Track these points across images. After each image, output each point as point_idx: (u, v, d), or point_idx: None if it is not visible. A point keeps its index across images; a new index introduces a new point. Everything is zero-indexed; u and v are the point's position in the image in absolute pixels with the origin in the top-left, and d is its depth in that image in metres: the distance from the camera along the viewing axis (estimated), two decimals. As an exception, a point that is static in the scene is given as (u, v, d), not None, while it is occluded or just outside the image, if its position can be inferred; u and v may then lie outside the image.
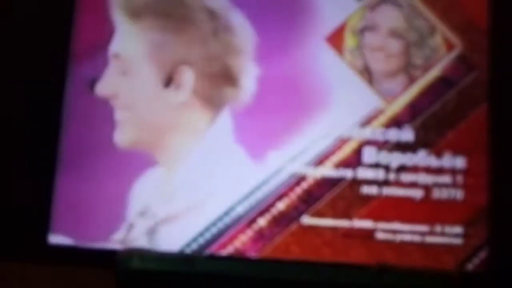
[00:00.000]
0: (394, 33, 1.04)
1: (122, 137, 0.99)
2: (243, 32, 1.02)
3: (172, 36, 1.01)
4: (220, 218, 1.00)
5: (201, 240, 1.00)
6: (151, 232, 0.97)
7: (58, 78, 1.02)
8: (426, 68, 1.04)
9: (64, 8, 1.04)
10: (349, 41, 1.04)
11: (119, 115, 1.00)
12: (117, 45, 1.01)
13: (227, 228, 1.00)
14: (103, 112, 1.00)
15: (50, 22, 1.04)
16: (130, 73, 1.01)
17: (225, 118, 1.01)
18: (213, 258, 0.97)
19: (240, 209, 1.00)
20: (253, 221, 1.00)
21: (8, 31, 1.04)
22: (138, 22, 1.00)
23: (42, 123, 1.02)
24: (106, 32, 1.02)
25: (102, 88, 1.00)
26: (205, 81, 1.00)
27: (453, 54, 1.04)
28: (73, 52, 1.02)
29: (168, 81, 1.00)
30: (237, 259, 0.97)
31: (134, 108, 1.00)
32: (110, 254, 0.93)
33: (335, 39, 1.04)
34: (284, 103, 1.02)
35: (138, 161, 0.99)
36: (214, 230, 1.00)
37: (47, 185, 0.99)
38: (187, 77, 1.00)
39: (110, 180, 0.99)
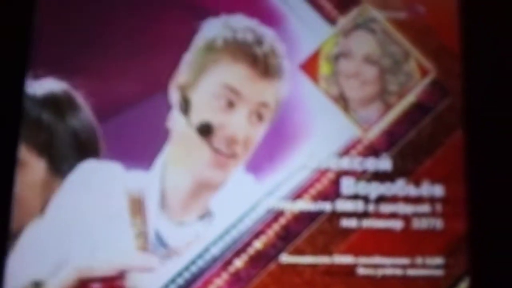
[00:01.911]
0: (369, 60, 0.97)
1: None
2: None
3: None
4: (193, 261, 0.89)
5: (173, 287, 0.88)
6: None
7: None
8: (401, 95, 0.98)
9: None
10: (324, 68, 0.96)
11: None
12: None
13: (202, 272, 0.89)
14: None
15: None
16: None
17: None
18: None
19: (214, 250, 0.90)
20: (228, 262, 0.90)
21: None
22: None
23: None
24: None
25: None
26: None
27: (427, 79, 0.98)
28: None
29: None
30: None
31: None
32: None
33: (310, 66, 0.96)
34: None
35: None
36: (187, 275, 0.89)
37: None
38: None
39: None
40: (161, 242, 0.88)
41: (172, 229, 0.88)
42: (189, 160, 0.89)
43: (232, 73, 0.89)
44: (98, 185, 0.88)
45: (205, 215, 0.90)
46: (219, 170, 0.88)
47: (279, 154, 0.93)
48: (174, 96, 0.91)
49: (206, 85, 0.89)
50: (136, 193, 0.88)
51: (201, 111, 0.89)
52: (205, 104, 0.89)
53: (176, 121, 0.90)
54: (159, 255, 0.87)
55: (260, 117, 0.90)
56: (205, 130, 0.88)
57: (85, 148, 0.89)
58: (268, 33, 0.92)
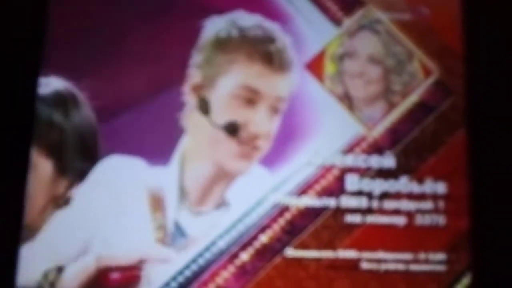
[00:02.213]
0: (373, 60, 0.99)
1: None
2: None
3: None
4: (200, 254, 0.91)
5: (181, 279, 0.90)
6: None
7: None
8: (404, 94, 0.99)
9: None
10: (329, 67, 0.98)
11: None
12: None
13: (209, 264, 0.91)
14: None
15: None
16: None
17: None
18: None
19: (221, 244, 0.92)
20: (235, 255, 0.92)
21: None
22: None
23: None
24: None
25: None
26: None
27: (431, 79, 1.00)
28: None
29: None
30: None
31: None
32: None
33: (315, 66, 0.98)
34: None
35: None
36: (194, 267, 0.91)
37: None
38: None
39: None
40: (181, 232, 0.90)
41: (191, 219, 0.91)
42: (211, 154, 0.92)
43: (249, 73, 0.92)
44: (120, 179, 0.90)
45: (221, 204, 0.92)
46: (243, 161, 0.92)
47: (286, 151, 0.95)
48: (189, 97, 0.94)
49: (224, 85, 0.92)
50: (156, 190, 0.90)
51: (223, 111, 0.92)
52: (226, 103, 0.92)
53: (194, 120, 0.93)
54: (179, 244, 0.89)
55: (276, 110, 0.93)
56: (232, 130, 0.91)
57: (87, 146, 0.91)
58: (275, 28, 0.95)
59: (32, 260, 0.87)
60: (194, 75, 0.93)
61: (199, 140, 0.92)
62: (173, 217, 0.90)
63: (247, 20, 0.94)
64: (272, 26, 0.95)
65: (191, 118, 0.93)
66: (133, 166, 0.90)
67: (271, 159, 0.94)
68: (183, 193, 0.91)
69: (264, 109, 0.92)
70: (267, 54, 0.92)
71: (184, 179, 0.91)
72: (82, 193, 0.90)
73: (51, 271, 0.86)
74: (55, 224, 0.89)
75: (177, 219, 0.90)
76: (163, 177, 0.91)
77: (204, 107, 0.91)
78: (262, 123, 0.91)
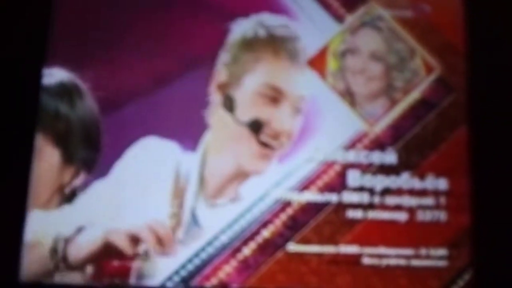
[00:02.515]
0: (375, 56, 0.99)
1: None
2: None
3: None
4: (203, 249, 0.92)
5: (184, 273, 0.91)
6: None
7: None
8: (406, 91, 0.99)
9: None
10: (331, 64, 0.99)
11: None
12: None
13: (211, 259, 0.91)
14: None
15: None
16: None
17: None
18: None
19: (224, 238, 0.92)
20: (237, 250, 0.92)
21: None
22: None
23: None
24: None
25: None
26: None
27: (432, 76, 1.00)
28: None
29: None
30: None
31: None
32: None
33: (317, 62, 0.98)
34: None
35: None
36: (197, 261, 0.91)
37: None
38: None
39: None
40: (195, 222, 0.91)
41: (206, 210, 0.92)
42: (233, 151, 0.93)
43: (274, 72, 0.93)
44: (153, 160, 0.92)
45: (235, 199, 0.93)
46: (262, 161, 0.93)
47: (294, 147, 0.96)
48: (215, 95, 0.94)
49: (250, 84, 0.93)
50: (180, 176, 0.91)
51: (247, 108, 0.93)
52: (250, 101, 0.93)
53: (219, 117, 0.94)
54: (193, 234, 0.90)
55: (298, 110, 0.94)
56: (256, 127, 0.92)
57: (91, 135, 0.92)
58: (298, 27, 0.96)
59: (62, 220, 0.89)
60: (220, 74, 0.94)
61: (222, 136, 0.93)
62: (190, 206, 0.91)
63: (273, 20, 0.95)
64: (296, 25, 0.95)
65: (215, 114, 0.94)
66: (167, 148, 0.92)
67: (285, 157, 0.95)
68: (202, 184, 0.92)
69: (287, 108, 0.93)
70: (292, 51, 0.94)
71: (205, 172, 0.93)
72: (118, 168, 0.91)
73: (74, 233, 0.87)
74: (90, 191, 0.90)
75: (193, 208, 0.91)
76: (189, 165, 0.92)
77: (229, 104, 0.92)
78: (285, 121, 0.93)
